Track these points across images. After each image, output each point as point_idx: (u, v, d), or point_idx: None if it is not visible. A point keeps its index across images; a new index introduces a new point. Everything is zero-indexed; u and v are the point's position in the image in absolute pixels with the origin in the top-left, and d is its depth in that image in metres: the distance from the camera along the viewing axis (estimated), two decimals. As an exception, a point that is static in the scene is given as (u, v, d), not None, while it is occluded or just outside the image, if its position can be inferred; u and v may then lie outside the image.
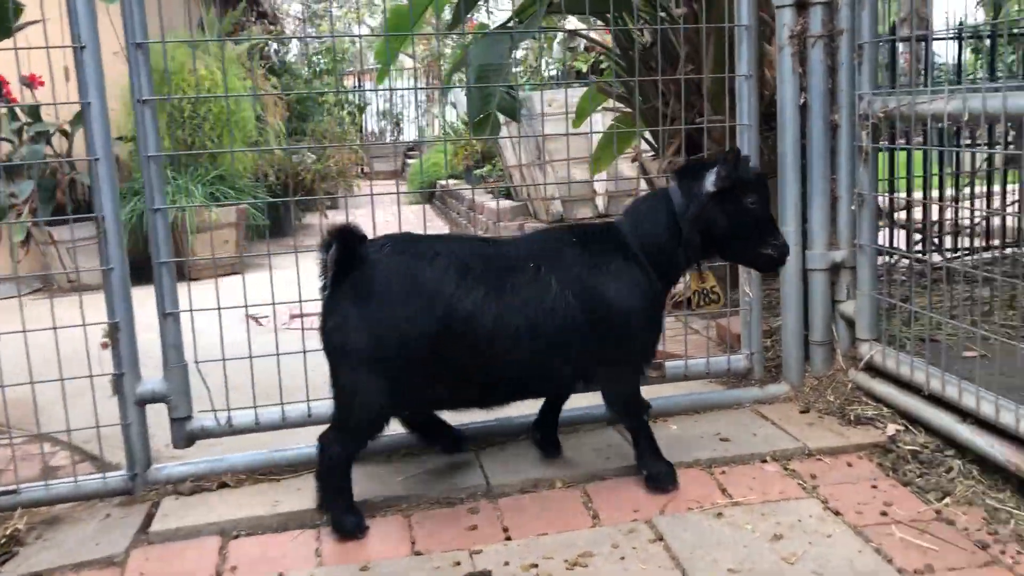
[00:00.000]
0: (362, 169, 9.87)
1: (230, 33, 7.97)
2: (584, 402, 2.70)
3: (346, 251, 2.00)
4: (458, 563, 1.95)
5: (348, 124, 10.74)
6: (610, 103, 4.50)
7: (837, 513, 2.09)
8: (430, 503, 2.25)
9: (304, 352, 2.36)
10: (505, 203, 7.13)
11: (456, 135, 10.11)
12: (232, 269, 5.85)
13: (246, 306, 2.45)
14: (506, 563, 1.94)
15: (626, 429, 2.38)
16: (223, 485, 2.36)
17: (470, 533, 2.09)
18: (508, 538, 2.06)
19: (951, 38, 3.90)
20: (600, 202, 6.80)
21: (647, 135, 4.22)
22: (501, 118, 3.53)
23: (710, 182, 2.08)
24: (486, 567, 1.92)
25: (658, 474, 2.23)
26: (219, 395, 2.42)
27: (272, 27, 10.58)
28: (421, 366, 2.02)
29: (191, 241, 5.94)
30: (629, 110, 4.19)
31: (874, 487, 2.21)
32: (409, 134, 12.88)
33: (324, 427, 2.16)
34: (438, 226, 9.03)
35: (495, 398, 2.21)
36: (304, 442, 2.42)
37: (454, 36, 8.18)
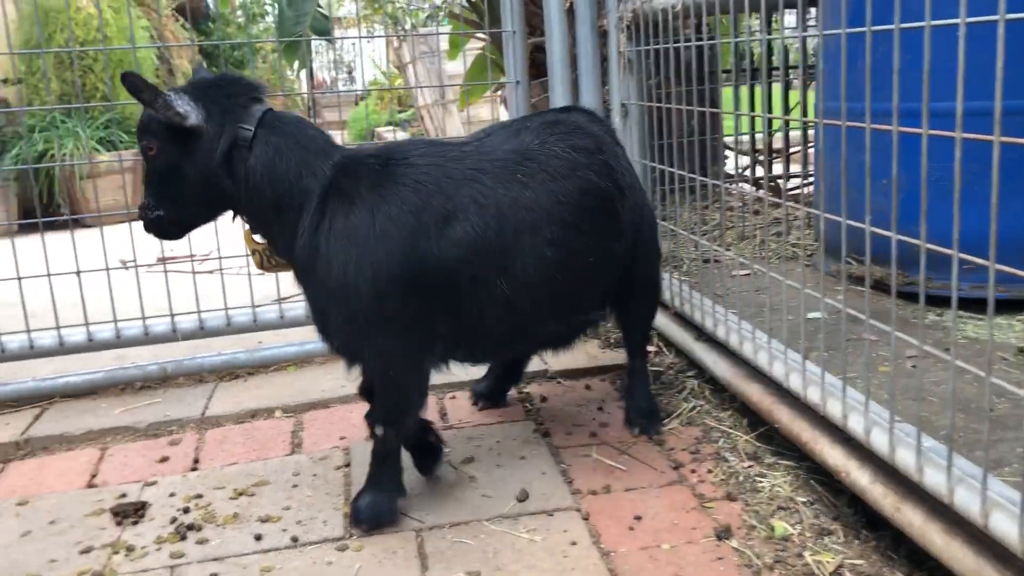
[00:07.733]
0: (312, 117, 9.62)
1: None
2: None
3: None
4: (123, 495, 1.81)
5: (287, 72, 10.42)
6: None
7: (546, 435, 1.95)
8: (135, 435, 2.11)
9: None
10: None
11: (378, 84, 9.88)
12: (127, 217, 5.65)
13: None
14: (171, 494, 1.80)
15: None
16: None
17: (158, 465, 1.96)
18: (194, 469, 1.93)
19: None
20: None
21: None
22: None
23: None
24: (151, 499, 1.79)
25: (372, 512, 1.60)
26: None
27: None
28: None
29: (81, 187, 5.75)
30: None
31: (600, 409, 2.06)
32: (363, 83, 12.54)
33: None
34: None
35: None
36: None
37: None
